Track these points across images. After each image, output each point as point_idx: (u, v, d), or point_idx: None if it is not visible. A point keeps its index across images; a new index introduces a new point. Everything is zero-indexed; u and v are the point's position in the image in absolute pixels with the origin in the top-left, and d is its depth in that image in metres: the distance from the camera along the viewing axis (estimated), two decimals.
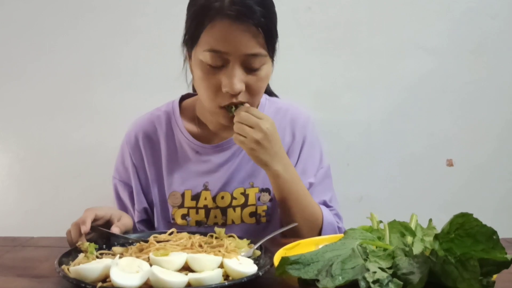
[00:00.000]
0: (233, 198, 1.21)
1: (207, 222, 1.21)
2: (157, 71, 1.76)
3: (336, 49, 1.80)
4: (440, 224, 0.90)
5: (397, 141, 1.83)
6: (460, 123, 1.83)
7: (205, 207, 1.21)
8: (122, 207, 1.27)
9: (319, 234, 1.15)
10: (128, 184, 1.26)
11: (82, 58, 1.85)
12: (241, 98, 1.08)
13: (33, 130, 1.89)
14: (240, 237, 0.96)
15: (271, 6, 1.11)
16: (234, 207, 1.21)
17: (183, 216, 1.21)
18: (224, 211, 1.21)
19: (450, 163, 1.85)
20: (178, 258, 0.79)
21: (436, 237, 0.65)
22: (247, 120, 1.05)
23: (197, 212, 1.21)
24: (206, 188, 1.21)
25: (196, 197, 1.21)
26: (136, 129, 1.27)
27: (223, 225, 1.20)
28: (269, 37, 1.07)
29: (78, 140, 1.84)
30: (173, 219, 1.22)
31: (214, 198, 1.21)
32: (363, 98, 1.82)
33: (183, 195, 1.21)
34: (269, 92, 1.34)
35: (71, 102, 1.87)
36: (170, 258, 0.78)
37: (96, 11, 1.84)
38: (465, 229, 0.64)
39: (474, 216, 0.65)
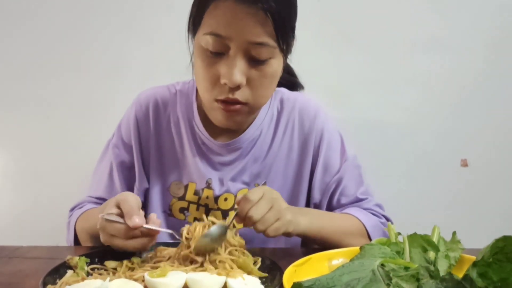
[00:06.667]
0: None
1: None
2: (161, 69, 1.68)
3: (348, 45, 1.73)
4: (451, 226, 0.83)
5: (411, 139, 1.77)
6: (476, 122, 1.76)
7: (206, 206, 1.13)
8: (111, 188, 1.15)
9: (370, 239, 1.05)
10: (124, 161, 1.16)
11: (82, 56, 1.79)
12: (241, 94, 0.96)
13: (29, 129, 1.82)
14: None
15: None
16: (236, 210, 1.12)
17: (182, 210, 1.13)
18: (225, 213, 1.12)
19: (464, 163, 1.79)
20: (177, 279, 0.71)
21: (475, 264, 0.57)
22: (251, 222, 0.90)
23: (197, 209, 1.13)
24: (208, 186, 1.12)
25: (199, 193, 1.13)
26: (147, 101, 1.16)
27: None
28: (279, 26, 0.93)
29: (76, 140, 1.77)
30: (170, 210, 1.14)
31: (216, 199, 1.12)
32: (376, 96, 1.75)
33: (186, 186, 1.13)
34: (293, 85, 1.25)
35: (68, 100, 1.81)
36: (168, 279, 0.70)
37: (102, 8, 1.78)
38: (505, 253, 0.56)
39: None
